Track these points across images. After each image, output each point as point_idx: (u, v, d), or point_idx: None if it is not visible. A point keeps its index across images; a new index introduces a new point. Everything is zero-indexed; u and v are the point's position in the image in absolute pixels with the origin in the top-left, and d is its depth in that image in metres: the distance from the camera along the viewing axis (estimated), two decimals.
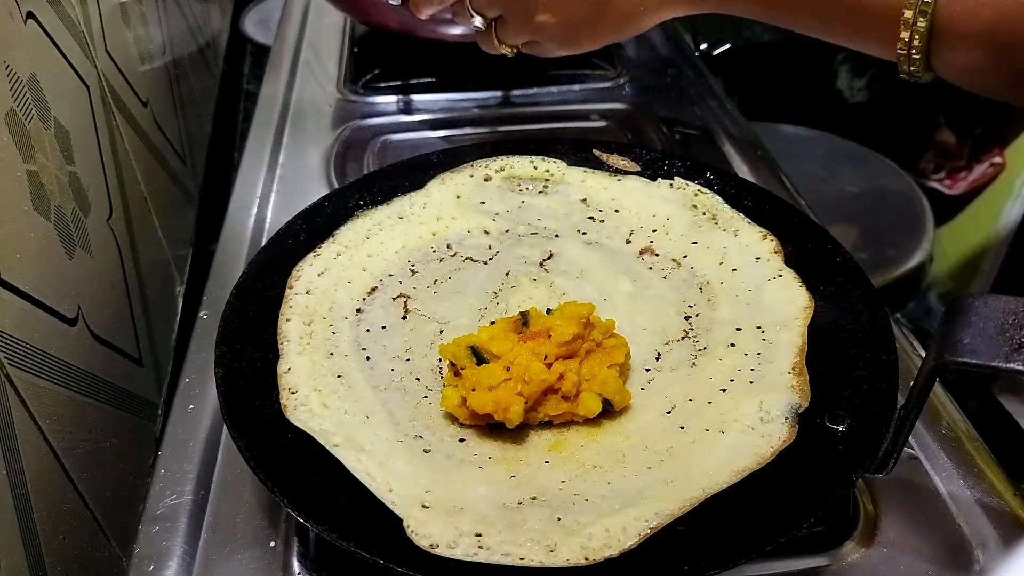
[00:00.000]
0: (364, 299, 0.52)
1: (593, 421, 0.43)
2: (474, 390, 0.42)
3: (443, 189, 0.59)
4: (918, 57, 0.50)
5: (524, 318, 0.45)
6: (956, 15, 0.47)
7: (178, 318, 0.75)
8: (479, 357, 0.44)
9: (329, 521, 0.37)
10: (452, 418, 0.44)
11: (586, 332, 0.45)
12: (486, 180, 0.61)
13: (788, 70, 1.24)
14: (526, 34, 0.63)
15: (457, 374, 0.44)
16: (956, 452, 0.49)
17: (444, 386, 0.45)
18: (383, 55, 0.89)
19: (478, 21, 0.63)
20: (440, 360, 0.47)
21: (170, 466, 0.48)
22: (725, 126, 0.80)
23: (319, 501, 0.38)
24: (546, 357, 0.43)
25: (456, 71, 0.84)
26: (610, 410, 0.44)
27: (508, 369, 0.42)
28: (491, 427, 0.43)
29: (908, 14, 0.48)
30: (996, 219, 1.08)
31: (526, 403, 0.42)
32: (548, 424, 0.44)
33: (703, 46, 0.99)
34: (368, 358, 0.48)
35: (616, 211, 0.58)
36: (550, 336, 0.44)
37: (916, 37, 0.48)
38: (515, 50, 0.66)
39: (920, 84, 0.52)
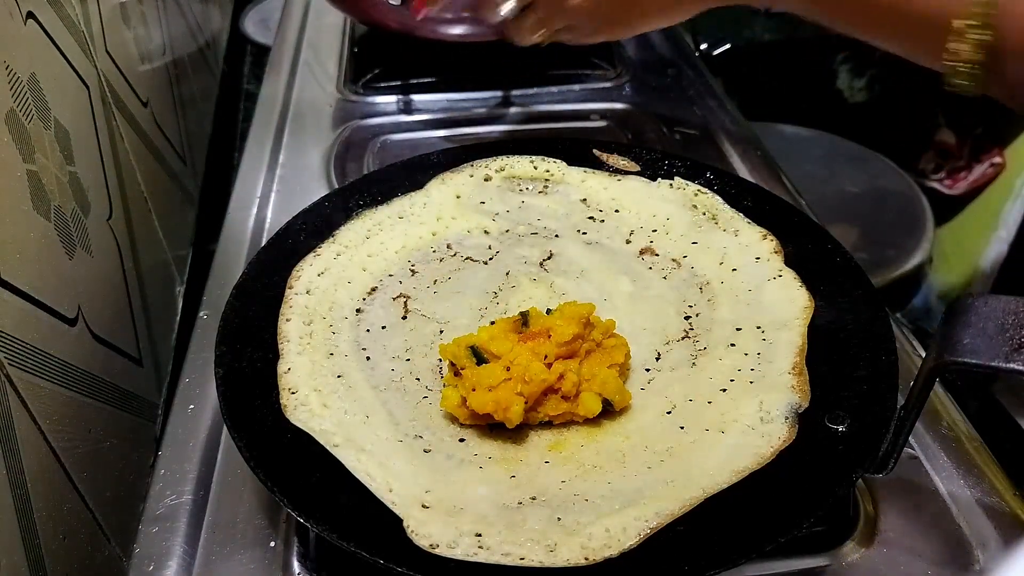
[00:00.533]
0: (364, 299, 0.52)
1: (593, 421, 0.43)
2: (474, 390, 0.42)
3: (443, 189, 0.59)
4: (969, 70, 0.47)
5: (524, 318, 0.45)
6: (1013, 28, 0.45)
7: (178, 318, 0.75)
8: (479, 357, 0.44)
9: (329, 521, 0.37)
10: (452, 418, 0.44)
11: (586, 332, 0.45)
12: (486, 180, 0.61)
13: (788, 70, 1.24)
14: (560, 20, 0.60)
15: (457, 374, 0.44)
16: (956, 452, 0.49)
17: (444, 386, 0.45)
18: (383, 55, 0.89)
19: (508, 8, 0.60)
20: (440, 360, 0.47)
21: (170, 466, 0.48)
22: (725, 126, 0.80)
23: (319, 501, 0.38)
24: (546, 357, 0.43)
25: (456, 71, 0.84)
26: (610, 410, 0.44)
27: (508, 369, 0.42)
28: (491, 427, 0.43)
29: (962, 24, 0.46)
30: (996, 219, 1.08)
31: (526, 403, 0.42)
32: (548, 424, 0.44)
33: (703, 46, 0.99)
34: (368, 358, 0.48)
35: (616, 211, 0.58)
36: (550, 336, 0.44)
37: (969, 48, 0.46)
38: (546, 38, 0.63)
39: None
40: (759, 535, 0.36)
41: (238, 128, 0.99)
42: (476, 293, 0.53)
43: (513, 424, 0.42)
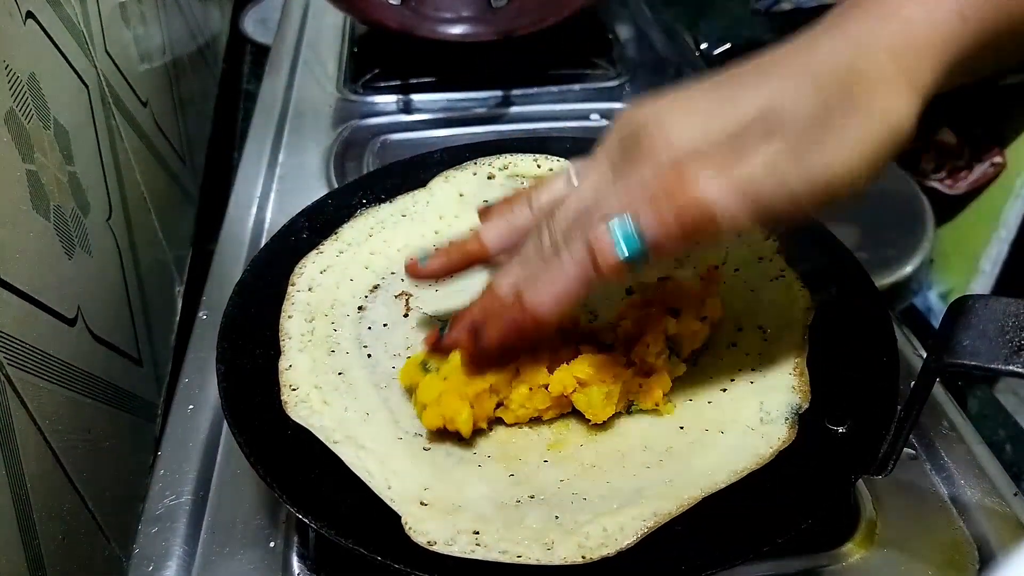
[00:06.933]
0: (366, 296, 0.52)
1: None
2: (425, 408, 0.41)
3: (446, 187, 0.59)
4: None
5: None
6: None
7: (178, 318, 0.75)
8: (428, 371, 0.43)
9: (328, 518, 0.37)
10: None
11: None
12: (489, 178, 0.61)
13: None
14: None
15: None
16: (956, 452, 0.49)
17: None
18: (383, 55, 0.89)
19: None
20: None
21: (170, 466, 0.48)
22: None
23: (318, 498, 0.38)
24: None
25: (456, 71, 0.84)
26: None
27: (445, 380, 0.41)
28: (490, 426, 0.43)
29: None
30: (996, 219, 1.08)
31: (471, 406, 0.41)
32: (548, 423, 0.44)
33: (703, 46, 0.99)
34: (369, 355, 0.48)
35: None
36: None
37: None
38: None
39: None
40: (758, 536, 0.36)
41: (238, 128, 0.99)
42: (478, 292, 0.53)
43: (467, 433, 0.41)
